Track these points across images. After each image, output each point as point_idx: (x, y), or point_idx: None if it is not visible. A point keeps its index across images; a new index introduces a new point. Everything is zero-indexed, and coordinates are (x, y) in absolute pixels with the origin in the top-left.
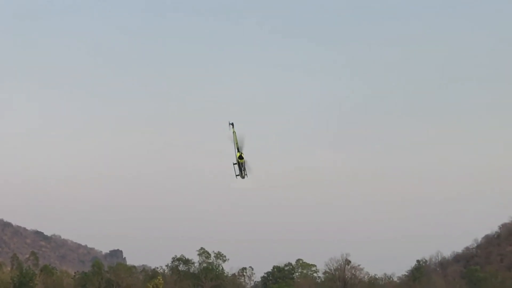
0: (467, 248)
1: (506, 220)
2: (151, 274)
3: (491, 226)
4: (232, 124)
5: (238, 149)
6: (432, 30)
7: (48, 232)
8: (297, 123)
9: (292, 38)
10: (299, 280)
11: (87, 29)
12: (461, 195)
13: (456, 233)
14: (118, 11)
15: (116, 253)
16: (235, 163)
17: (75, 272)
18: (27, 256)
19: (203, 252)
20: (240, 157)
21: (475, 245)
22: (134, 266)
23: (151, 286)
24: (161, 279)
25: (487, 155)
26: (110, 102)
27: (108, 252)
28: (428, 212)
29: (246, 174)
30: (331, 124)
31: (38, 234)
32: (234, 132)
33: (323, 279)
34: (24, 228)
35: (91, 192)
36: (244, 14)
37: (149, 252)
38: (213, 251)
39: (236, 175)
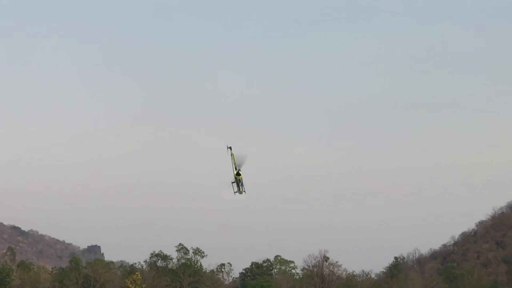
0: (444, 245)
1: (483, 217)
2: (129, 270)
3: (468, 224)
4: (230, 147)
5: (235, 167)
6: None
7: (25, 228)
8: (277, 119)
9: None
10: (277, 277)
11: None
12: (439, 193)
13: (434, 230)
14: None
15: (94, 249)
16: (233, 182)
17: (52, 268)
18: (4, 251)
19: (181, 248)
20: (238, 174)
21: (452, 242)
22: (112, 262)
23: (129, 282)
24: (139, 275)
25: (465, 154)
26: (99, 97)
27: (86, 247)
28: (406, 209)
29: (244, 191)
30: (310, 121)
31: (15, 229)
32: (232, 154)
33: (301, 276)
34: (1, 223)
35: (69, 187)
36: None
37: (128, 248)
38: (192, 247)
39: (234, 192)
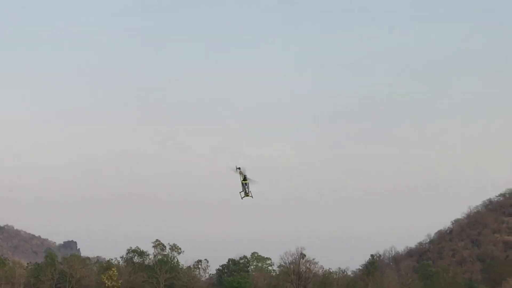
0: (420, 243)
1: (458, 216)
2: (105, 266)
3: (444, 222)
4: (239, 168)
5: (243, 176)
6: None
7: (0, 223)
8: (256, 116)
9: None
10: (254, 273)
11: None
12: (415, 191)
13: (410, 228)
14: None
15: (70, 244)
16: (241, 191)
17: (27, 263)
18: None
19: (158, 244)
20: (244, 179)
21: (428, 240)
22: (88, 258)
23: (105, 278)
24: (115, 271)
25: (441, 151)
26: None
27: (62, 243)
28: (383, 207)
29: (251, 194)
30: (292, 118)
31: None
32: (240, 173)
33: (278, 273)
34: None
35: (44, 182)
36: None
37: (104, 244)
38: (168, 243)
39: (242, 198)
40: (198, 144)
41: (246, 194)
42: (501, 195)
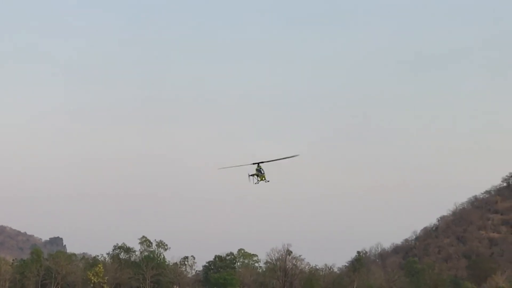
0: (406, 240)
1: (444, 213)
2: (91, 262)
3: (430, 219)
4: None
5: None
6: None
7: None
8: (239, 113)
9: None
10: (240, 270)
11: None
12: (401, 188)
13: (396, 225)
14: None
15: (56, 241)
16: (251, 174)
17: (13, 260)
18: None
19: (144, 241)
20: (259, 171)
21: (414, 237)
22: (74, 254)
23: (91, 274)
24: (101, 267)
25: (427, 148)
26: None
27: (48, 239)
28: (369, 204)
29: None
30: (272, 114)
31: None
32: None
33: (264, 269)
34: None
35: (30, 178)
36: None
37: (90, 240)
38: (155, 240)
39: (255, 183)
40: (186, 142)
41: (262, 177)
42: (486, 192)
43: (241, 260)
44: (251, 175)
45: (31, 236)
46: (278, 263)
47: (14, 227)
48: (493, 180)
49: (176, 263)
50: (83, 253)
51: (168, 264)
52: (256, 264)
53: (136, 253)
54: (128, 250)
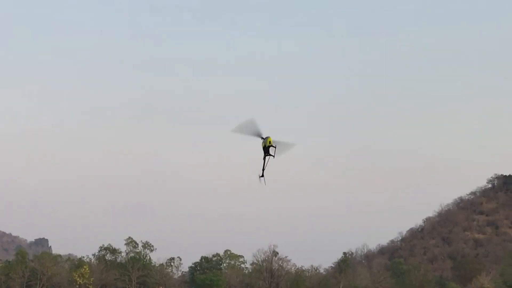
0: (392, 241)
1: (430, 214)
2: (77, 264)
3: (416, 220)
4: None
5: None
6: None
7: None
8: (227, 111)
9: None
10: (226, 271)
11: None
12: (387, 189)
13: (382, 226)
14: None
15: (41, 242)
16: (261, 176)
17: None
18: None
19: (130, 242)
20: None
21: (400, 238)
22: (59, 255)
23: (76, 275)
24: (87, 269)
25: (413, 150)
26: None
27: (33, 240)
28: (355, 205)
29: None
30: (261, 113)
31: None
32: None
33: (250, 270)
34: None
35: (15, 179)
36: None
37: (76, 241)
38: (141, 241)
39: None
40: (171, 142)
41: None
42: (472, 193)
43: (227, 261)
44: (261, 176)
45: (16, 237)
46: (264, 264)
47: None
48: (478, 181)
49: (162, 264)
50: (69, 254)
51: (154, 265)
52: (242, 265)
53: (122, 254)
54: (114, 251)
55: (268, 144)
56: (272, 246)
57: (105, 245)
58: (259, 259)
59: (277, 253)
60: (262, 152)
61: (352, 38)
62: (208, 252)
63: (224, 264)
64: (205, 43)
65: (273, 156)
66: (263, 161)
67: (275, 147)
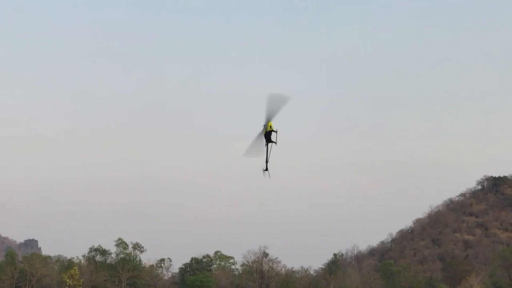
0: (382, 242)
1: (420, 215)
2: (66, 265)
3: (406, 221)
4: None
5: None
6: None
7: None
8: (215, 114)
9: None
10: (216, 272)
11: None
12: (377, 190)
13: (372, 227)
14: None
15: (31, 243)
16: (265, 169)
17: None
18: None
19: (120, 243)
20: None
21: (390, 239)
22: (49, 256)
23: (66, 277)
24: (76, 270)
25: (403, 151)
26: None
27: (22, 241)
28: (345, 207)
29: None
30: (249, 115)
31: None
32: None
33: (240, 271)
34: None
35: (4, 180)
36: None
37: (66, 242)
38: (131, 242)
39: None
40: (161, 143)
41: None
42: (461, 194)
43: (217, 262)
44: (265, 169)
45: (6, 238)
46: (255, 265)
47: None
48: (468, 183)
49: (152, 265)
50: (58, 255)
51: (144, 267)
52: (233, 266)
53: (112, 255)
54: (104, 252)
55: (268, 129)
56: (262, 247)
57: (95, 246)
58: (249, 260)
59: (267, 254)
60: (264, 140)
61: (351, 36)
62: (198, 253)
63: (214, 265)
64: (204, 43)
65: (275, 143)
66: (265, 150)
67: (276, 132)
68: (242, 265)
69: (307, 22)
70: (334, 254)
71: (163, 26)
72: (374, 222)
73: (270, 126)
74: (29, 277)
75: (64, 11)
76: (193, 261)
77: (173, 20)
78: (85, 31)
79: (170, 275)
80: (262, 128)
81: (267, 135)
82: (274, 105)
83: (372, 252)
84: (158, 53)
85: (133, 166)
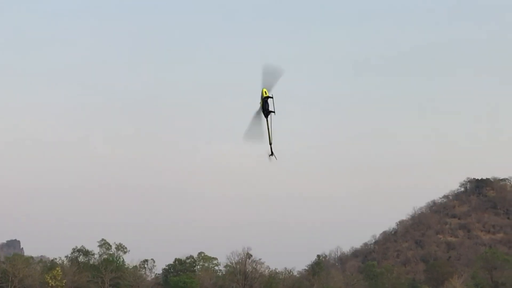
0: (365, 244)
1: (403, 217)
2: (49, 265)
3: (389, 223)
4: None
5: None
6: None
7: None
8: (200, 113)
9: None
10: (200, 273)
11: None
12: (361, 192)
13: (356, 229)
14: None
15: (13, 244)
16: (271, 154)
17: None
18: None
19: (104, 244)
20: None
21: (373, 241)
22: (31, 257)
23: (48, 278)
24: (59, 271)
25: (385, 154)
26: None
27: (4, 242)
28: (329, 208)
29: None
30: (233, 117)
31: None
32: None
33: (224, 273)
34: None
35: None
36: None
37: (48, 243)
38: (114, 243)
39: (276, 157)
40: (147, 139)
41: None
42: (444, 196)
43: (201, 263)
44: (271, 154)
45: None
46: (238, 266)
47: None
48: (451, 185)
49: (135, 266)
50: (41, 256)
51: (128, 267)
52: (216, 268)
53: (95, 256)
54: (87, 253)
55: (264, 96)
56: (246, 249)
57: (78, 247)
58: (233, 262)
59: (251, 255)
60: (262, 115)
61: (348, 36)
62: (182, 254)
63: (198, 266)
64: (204, 43)
65: (274, 112)
66: (267, 130)
67: (272, 98)
68: (226, 266)
69: (308, 22)
70: (318, 256)
71: (163, 26)
72: (357, 223)
73: (265, 92)
74: (11, 277)
75: (64, 11)
76: (177, 262)
77: (173, 20)
78: (85, 31)
79: (153, 276)
80: (259, 104)
81: (264, 106)
82: (270, 77)
83: (355, 253)
84: (158, 53)
85: (116, 168)
